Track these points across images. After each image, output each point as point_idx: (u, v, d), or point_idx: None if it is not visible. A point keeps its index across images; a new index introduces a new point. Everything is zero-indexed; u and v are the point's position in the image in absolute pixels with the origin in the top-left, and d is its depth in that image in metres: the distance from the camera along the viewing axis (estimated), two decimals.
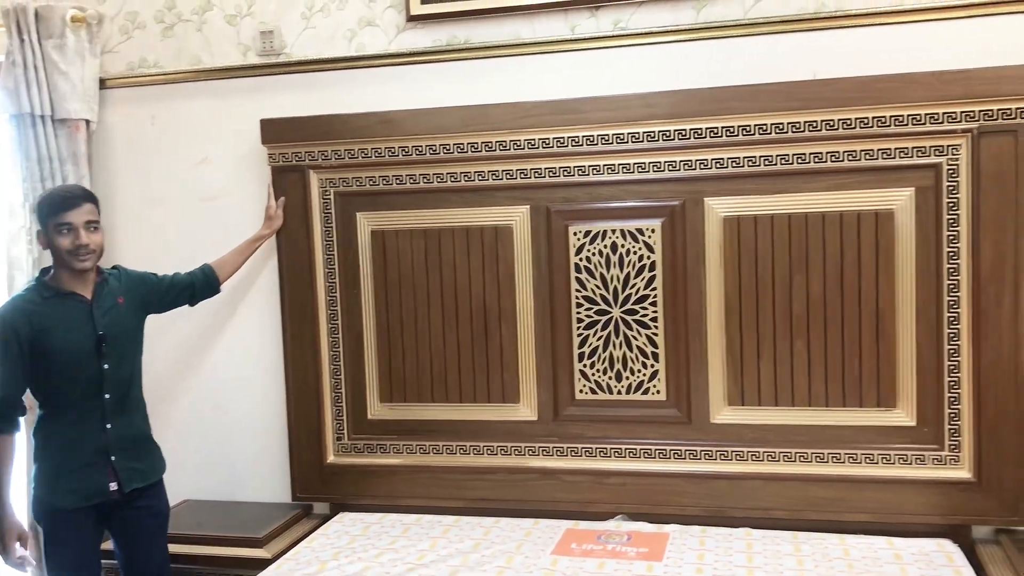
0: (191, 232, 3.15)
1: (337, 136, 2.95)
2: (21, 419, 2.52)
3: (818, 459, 2.70)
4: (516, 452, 2.93)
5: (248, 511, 3.03)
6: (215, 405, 3.20)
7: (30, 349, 2.43)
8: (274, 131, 2.99)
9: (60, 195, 2.49)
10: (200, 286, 2.86)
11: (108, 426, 2.51)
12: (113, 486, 2.51)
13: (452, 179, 2.90)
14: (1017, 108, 2.47)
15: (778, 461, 2.73)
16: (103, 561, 2.66)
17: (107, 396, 2.50)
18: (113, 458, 2.51)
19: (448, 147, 2.87)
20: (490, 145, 2.84)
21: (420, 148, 2.90)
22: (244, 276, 3.05)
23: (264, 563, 2.68)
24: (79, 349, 2.46)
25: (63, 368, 2.45)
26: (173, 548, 2.73)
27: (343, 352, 3.03)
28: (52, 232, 2.44)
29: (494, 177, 2.87)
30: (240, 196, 3.11)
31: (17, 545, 2.46)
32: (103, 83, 3.20)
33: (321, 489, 3.07)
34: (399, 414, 3.02)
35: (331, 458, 3.06)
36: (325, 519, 3.02)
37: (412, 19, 2.93)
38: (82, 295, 2.50)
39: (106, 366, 2.49)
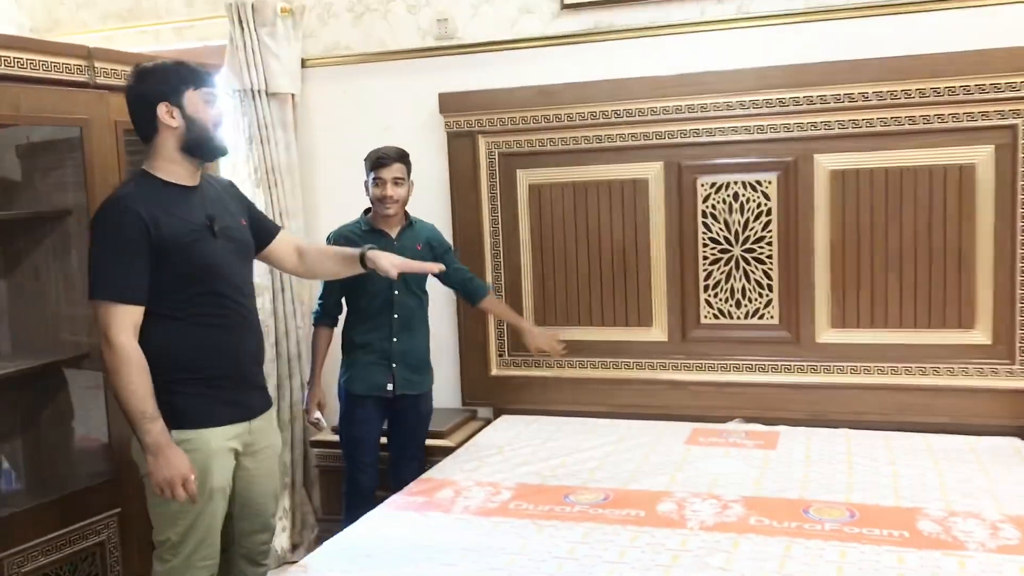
0: None
1: (501, 106, 3.56)
2: (340, 317, 3.26)
3: (907, 372, 3.25)
4: (650, 367, 3.54)
5: None
6: None
7: None
8: (450, 103, 3.63)
9: (377, 154, 3.13)
10: (466, 293, 3.36)
11: (394, 340, 3.17)
12: (389, 387, 3.18)
13: (597, 141, 3.50)
14: None
15: (872, 374, 3.28)
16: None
17: (395, 316, 3.16)
18: (394, 365, 3.18)
19: (595, 114, 3.46)
20: (630, 112, 3.42)
21: (571, 115, 3.49)
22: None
23: (450, 449, 3.37)
24: (378, 276, 2.83)
25: (363, 288, 3.11)
26: None
27: (504, 285, 3.68)
28: (370, 182, 3.13)
29: (633, 139, 3.46)
30: (416, 158, 3.71)
31: (316, 409, 3.20)
32: (304, 63, 3.87)
33: (486, 396, 3.75)
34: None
35: (494, 371, 3.72)
36: (488, 421, 3.69)
37: (565, 7, 3.51)
38: (388, 233, 3.17)
39: (396, 292, 3.13)
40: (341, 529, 2.79)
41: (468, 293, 3.38)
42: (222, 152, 2.44)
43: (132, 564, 2.88)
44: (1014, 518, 2.42)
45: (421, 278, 3.24)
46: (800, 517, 2.50)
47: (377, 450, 3.27)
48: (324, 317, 3.24)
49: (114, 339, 2.18)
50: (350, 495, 3.22)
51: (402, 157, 3.17)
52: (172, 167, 2.33)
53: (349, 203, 3.46)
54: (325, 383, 3.32)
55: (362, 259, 2.62)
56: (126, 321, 2.20)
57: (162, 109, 2.29)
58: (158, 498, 2.28)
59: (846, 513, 2.51)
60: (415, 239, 3.23)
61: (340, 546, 2.47)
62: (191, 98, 2.30)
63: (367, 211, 3.24)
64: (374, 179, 3.12)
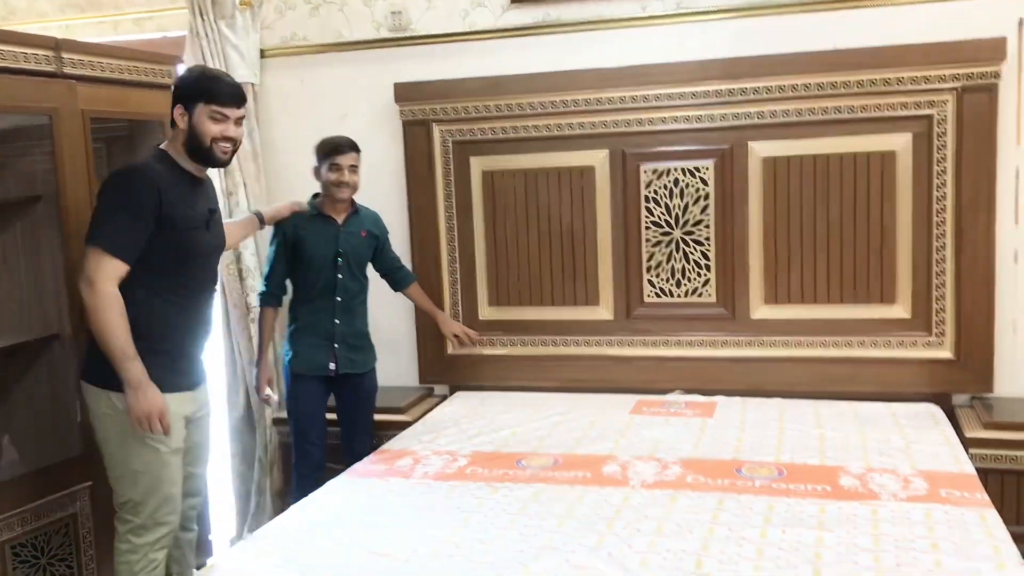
0: None
1: (454, 96, 3.72)
2: (284, 298, 3.40)
3: (834, 345, 3.49)
4: (596, 344, 3.74)
5: (386, 392, 3.84)
6: None
7: (293, 250, 3.28)
8: (405, 92, 3.78)
9: (334, 142, 3.27)
10: (392, 280, 3.57)
11: (336, 321, 3.32)
12: (332, 366, 3.33)
13: (547, 130, 3.68)
14: (992, 71, 3.21)
15: (803, 347, 3.52)
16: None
17: (338, 299, 3.32)
18: (336, 346, 3.33)
19: (544, 104, 3.64)
20: (577, 102, 3.61)
21: (521, 105, 3.66)
22: (380, 209, 3.81)
23: (408, 424, 3.53)
24: (323, 259, 3.26)
25: (308, 270, 3.29)
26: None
27: (459, 263, 3.84)
28: (324, 168, 3.26)
29: (580, 128, 3.64)
30: (373, 145, 3.87)
31: (266, 386, 3.34)
32: (263, 53, 3.98)
33: (442, 374, 3.92)
34: (504, 315, 3.84)
35: (450, 350, 3.89)
36: (444, 397, 3.86)
37: (515, 1, 3.68)
38: (335, 219, 3.33)
39: (340, 276, 3.30)
40: (295, 499, 2.95)
41: (396, 280, 3.59)
42: (215, 165, 2.66)
43: (104, 535, 2.99)
44: (925, 472, 2.67)
45: (363, 263, 3.43)
46: (733, 475, 2.72)
47: (324, 425, 3.42)
48: (270, 298, 3.38)
49: (100, 285, 2.40)
50: (299, 466, 3.37)
51: (355, 147, 3.32)
52: (184, 159, 2.59)
53: (307, 188, 3.53)
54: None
55: (260, 219, 3.24)
56: (113, 273, 2.43)
57: (178, 110, 2.56)
58: (118, 460, 2.53)
59: (775, 471, 2.74)
60: (360, 225, 3.39)
61: (305, 510, 2.63)
62: (200, 110, 2.54)
63: (315, 196, 3.38)
64: (330, 165, 3.27)
